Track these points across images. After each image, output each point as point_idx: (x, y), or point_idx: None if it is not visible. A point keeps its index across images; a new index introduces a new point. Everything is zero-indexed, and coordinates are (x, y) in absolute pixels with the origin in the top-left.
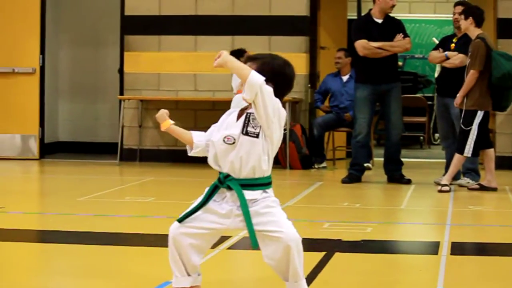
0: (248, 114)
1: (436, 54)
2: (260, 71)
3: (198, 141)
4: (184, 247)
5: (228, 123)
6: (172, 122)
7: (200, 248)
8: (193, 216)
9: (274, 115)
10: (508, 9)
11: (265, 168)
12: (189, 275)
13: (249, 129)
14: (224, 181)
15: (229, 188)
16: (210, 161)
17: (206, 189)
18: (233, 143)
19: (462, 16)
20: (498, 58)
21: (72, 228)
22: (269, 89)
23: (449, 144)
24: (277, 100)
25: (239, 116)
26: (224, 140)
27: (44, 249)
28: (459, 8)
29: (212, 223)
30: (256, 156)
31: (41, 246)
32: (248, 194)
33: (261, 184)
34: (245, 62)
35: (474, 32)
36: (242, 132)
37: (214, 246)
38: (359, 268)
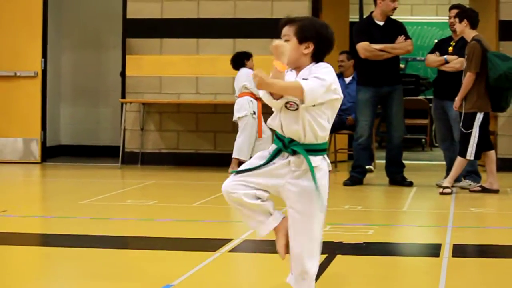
0: None
1: (434, 58)
2: (300, 31)
3: None
4: (241, 196)
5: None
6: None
7: (256, 195)
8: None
9: (326, 93)
10: (510, 11)
11: (326, 133)
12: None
13: None
14: (288, 146)
15: (293, 152)
16: (272, 123)
17: (269, 151)
18: (296, 109)
19: (457, 19)
20: (494, 59)
21: (74, 231)
22: (317, 83)
23: (447, 146)
24: (323, 71)
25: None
26: (286, 106)
27: (46, 252)
28: (455, 12)
29: (267, 179)
30: (318, 123)
31: (43, 249)
32: (313, 160)
33: (322, 149)
34: (283, 26)
35: (469, 34)
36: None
37: (215, 249)
38: (361, 270)
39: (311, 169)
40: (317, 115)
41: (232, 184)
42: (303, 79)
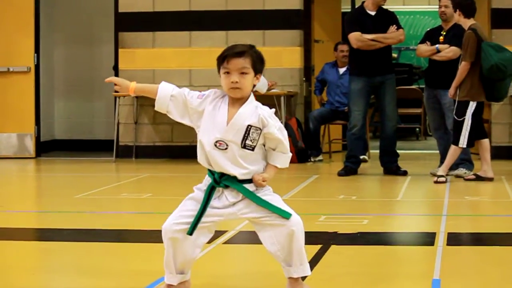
0: (249, 127)
1: (425, 47)
2: (255, 64)
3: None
4: (182, 244)
5: (217, 124)
6: (134, 82)
7: (197, 243)
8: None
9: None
10: None
11: (262, 169)
12: (181, 273)
13: (247, 142)
14: (220, 181)
15: (226, 186)
16: (201, 160)
17: (199, 193)
18: (226, 148)
19: (452, 9)
20: (487, 49)
21: (69, 225)
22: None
23: (441, 135)
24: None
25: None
26: (216, 145)
27: (41, 247)
28: (445, 1)
29: (211, 217)
30: (253, 161)
31: (38, 244)
32: (249, 186)
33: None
34: (236, 56)
35: (466, 23)
36: (241, 146)
37: (210, 241)
38: (356, 260)
39: (250, 195)
40: (249, 153)
41: (175, 230)
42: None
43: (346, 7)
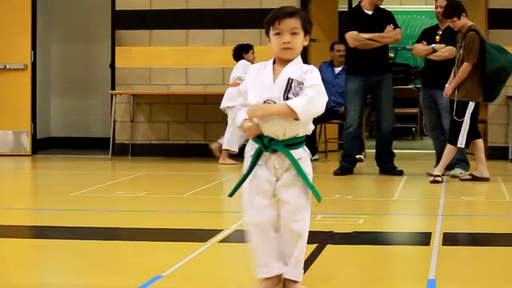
0: (290, 80)
1: (421, 47)
2: (305, 24)
3: None
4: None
5: (264, 83)
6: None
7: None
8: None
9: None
10: None
11: (309, 127)
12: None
13: (290, 95)
14: (268, 145)
15: (274, 151)
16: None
17: (249, 157)
18: None
19: (455, 18)
20: (492, 50)
21: (64, 223)
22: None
23: (437, 135)
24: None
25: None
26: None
27: (36, 244)
28: (442, 1)
29: (264, 184)
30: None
31: (33, 242)
32: (295, 153)
33: (302, 141)
34: (287, 16)
35: (466, 23)
36: (283, 98)
37: (206, 239)
38: (351, 259)
39: (295, 163)
40: None
41: (256, 213)
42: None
43: (343, 6)
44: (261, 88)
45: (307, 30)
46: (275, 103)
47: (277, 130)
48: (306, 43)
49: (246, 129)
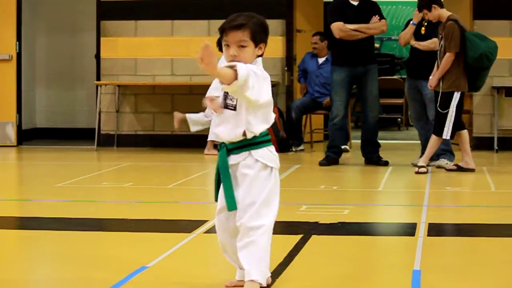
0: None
1: (404, 32)
2: (255, 35)
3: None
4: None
5: (217, 82)
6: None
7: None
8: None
9: (258, 86)
10: None
11: (256, 131)
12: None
13: (228, 101)
14: (224, 150)
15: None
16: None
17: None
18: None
19: (426, 11)
20: (473, 38)
21: (50, 214)
22: (256, 74)
23: (423, 126)
24: (255, 67)
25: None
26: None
27: (21, 235)
28: None
29: None
30: (242, 124)
31: (18, 232)
32: (232, 159)
33: (249, 144)
34: (231, 30)
35: (443, 14)
36: (223, 106)
37: (191, 230)
38: (336, 250)
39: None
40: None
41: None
42: None
43: None
44: (216, 85)
45: (258, 41)
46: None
47: (224, 131)
48: (261, 52)
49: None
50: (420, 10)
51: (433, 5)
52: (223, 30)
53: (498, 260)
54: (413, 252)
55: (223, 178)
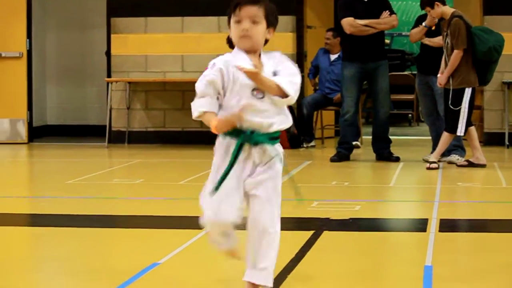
0: (275, 73)
1: (415, 29)
2: (269, 15)
3: None
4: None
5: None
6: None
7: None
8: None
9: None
10: None
11: (289, 119)
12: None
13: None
14: (252, 137)
15: (255, 144)
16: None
17: (223, 152)
18: (263, 97)
19: (429, 8)
20: (480, 33)
21: (61, 211)
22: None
23: (433, 121)
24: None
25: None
26: (253, 94)
27: (33, 232)
28: None
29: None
30: (280, 109)
31: (30, 230)
32: (276, 148)
33: (279, 136)
34: (248, 3)
35: (447, 11)
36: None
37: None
38: (348, 246)
39: (277, 157)
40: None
41: (225, 211)
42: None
43: None
44: (244, 81)
45: (270, 22)
46: (263, 92)
47: (265, 121)
48: (269, 36)
49: (217, 125)
50: (422, 8)
51: (436, 2)
52: (236, 5)
53: (509, 255)
54: (424, 248)
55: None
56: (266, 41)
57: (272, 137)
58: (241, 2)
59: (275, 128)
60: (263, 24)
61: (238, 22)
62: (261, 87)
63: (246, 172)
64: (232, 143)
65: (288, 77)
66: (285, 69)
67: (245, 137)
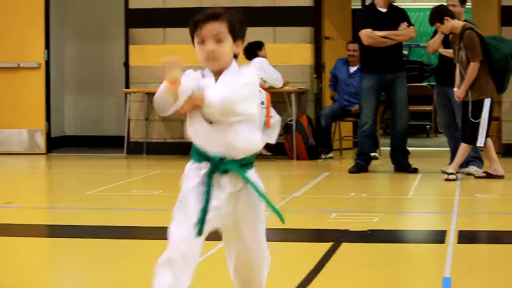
0: None
1: (433, 39)
2: (233, 28)
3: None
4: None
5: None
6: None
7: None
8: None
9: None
10: None
11: (259, 143)
12: None
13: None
14: (220, 164)
15: (225, 171)
16: (198, 141)
17: (195, 179)
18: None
19: (438, 24)
20: (494, 42)
21: (79, 222)
22: (242, 94)
23: (451, 132)
24: (251, 81)
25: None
26: (204, 118)
27: (51, 243)
28: (453, 0)
29: (216, 218)
30: (247, 132)
31: (48, 240)
32: (249, 175)
33: (253, 161)
34: (207, 20)
35: (457, 25)
36: None
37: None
38: (366, 258)
39: (252, 184)
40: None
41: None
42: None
43: (356, 4)
44: None
45: (237, 35)
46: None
47: (230, 142)
48: (238, 50)
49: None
50: (432, 24)
51: (445, 18)
52: (196, 23)
53: None
54: (443, 260)
55: (260, 194)
56: (236, 56)
57: (245, 163)
58: (200, 20)
59: (242, 154)
60: (229, 41)
61: (202, 42)
62: (193, 102)
63: (219, 201)
64: (203, 167)
65: (220, 85)
66: (230, 81)
67: (214, 164)
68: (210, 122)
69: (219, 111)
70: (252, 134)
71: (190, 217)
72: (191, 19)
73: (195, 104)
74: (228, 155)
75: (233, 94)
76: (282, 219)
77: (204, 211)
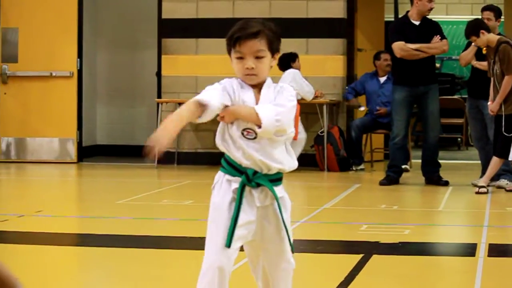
0: None
1: (465, 52)
2: (272, 43)
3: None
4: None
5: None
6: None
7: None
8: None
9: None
10: None
11: (294, 162)
12: None
13: None
14: (252, 179)
15: (257, 185)
16: (234, 155)
17: (227, 194)
18: (255, 137)
19: (474, 37)
20: None
21: (110, 231)
22: (286, 111)
23: (482, 145)
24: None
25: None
26: (243, 134)
27: (81, 252)
28: (488, 14)
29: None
30: (282, 149)
31: (79, 249)
32: (278, 191)
33: (282, 177)
34: (248, 38)
35: (492, 39)
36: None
37: None
38: (397, 270)
39: (277, 200)
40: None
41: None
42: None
43: (389, 16)
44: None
45: (274, 49)
46: (255, 133)
47: (262, 158)
48: (274, 63)
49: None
50: (468, 37)
51: (481, 31)
52: (236, 40)
53: None
54: (473, 273)
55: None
56: (271, 67)
57: (275, 179)
58: (240, 37)
59: (275, 169)
60: (267, 57)
61: (240, 58)
62: (239, 117)
63: (249, 214)
64: (234, 180)
65: (272, 105)
66: (278, 100)
67: (246, 178)
68: (254, 138)
69: (272, 132)
70: (289, 152)
71: (223, 230)
72: (229, 34)
73: (236, 116)
74: (262, 170)
75: (285, 117)
76: (292, 248)
77: (233, 224)
